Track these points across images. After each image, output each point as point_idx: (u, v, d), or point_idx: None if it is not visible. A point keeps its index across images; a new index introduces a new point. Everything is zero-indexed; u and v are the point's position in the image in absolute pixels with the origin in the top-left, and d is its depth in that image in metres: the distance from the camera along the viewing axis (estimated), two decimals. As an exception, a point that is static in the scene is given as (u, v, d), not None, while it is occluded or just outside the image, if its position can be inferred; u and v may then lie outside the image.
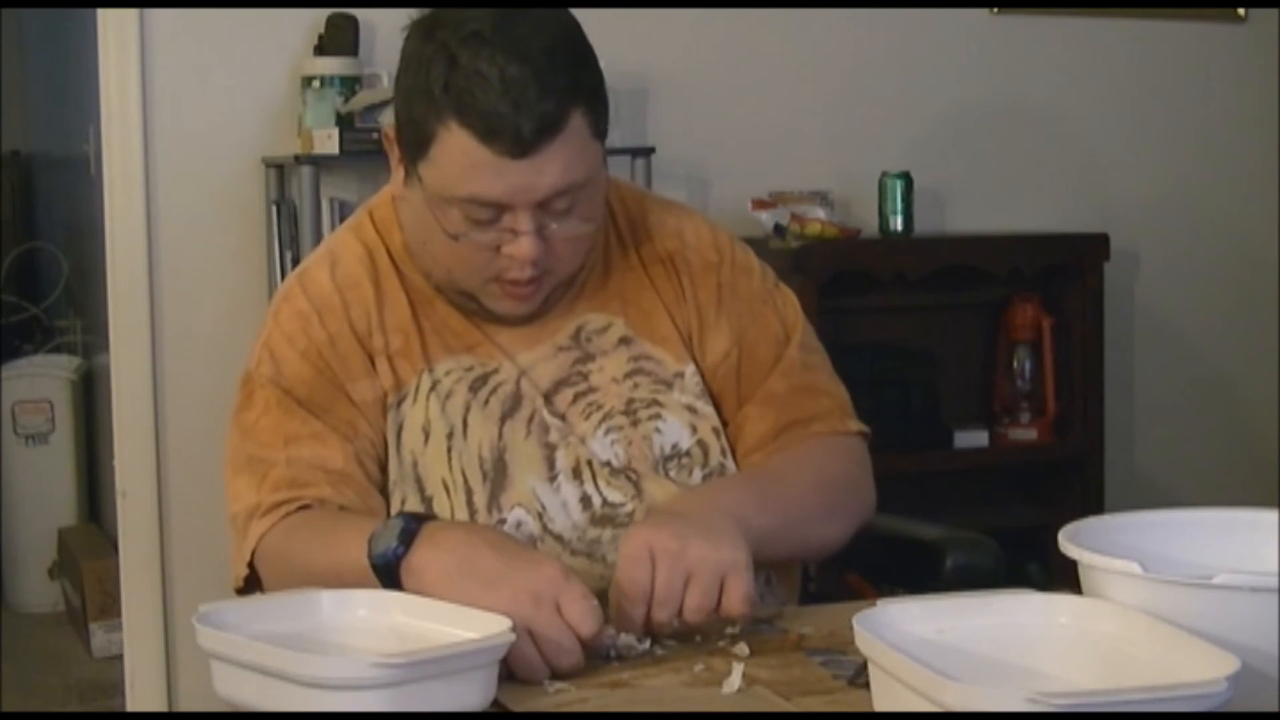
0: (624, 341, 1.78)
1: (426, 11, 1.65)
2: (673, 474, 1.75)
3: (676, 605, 1.51)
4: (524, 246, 1.63)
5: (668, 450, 1.75)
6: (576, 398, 1.75)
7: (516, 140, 1.57)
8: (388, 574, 1.50)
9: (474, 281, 1.69)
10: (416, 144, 1.63)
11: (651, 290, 1.80)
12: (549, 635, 1.43)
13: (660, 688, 1.42)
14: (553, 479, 1.72)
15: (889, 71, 3.83)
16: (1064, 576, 1.39)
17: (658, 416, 1.76)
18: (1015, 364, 3.71)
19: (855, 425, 1.84)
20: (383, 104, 3.35)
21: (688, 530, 1.53)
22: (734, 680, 1.40)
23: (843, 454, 1.81)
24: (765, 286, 1.85)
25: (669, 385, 1.77)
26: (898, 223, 3.60)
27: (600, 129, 1.65)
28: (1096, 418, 3.69)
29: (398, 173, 1.70)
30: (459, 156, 1.59)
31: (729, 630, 1.56)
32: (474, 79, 1.57)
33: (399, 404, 1.73)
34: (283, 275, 3.30)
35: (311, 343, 1.73)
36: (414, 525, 1.52)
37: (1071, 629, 1.30)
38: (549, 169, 1.59)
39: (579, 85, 1.61)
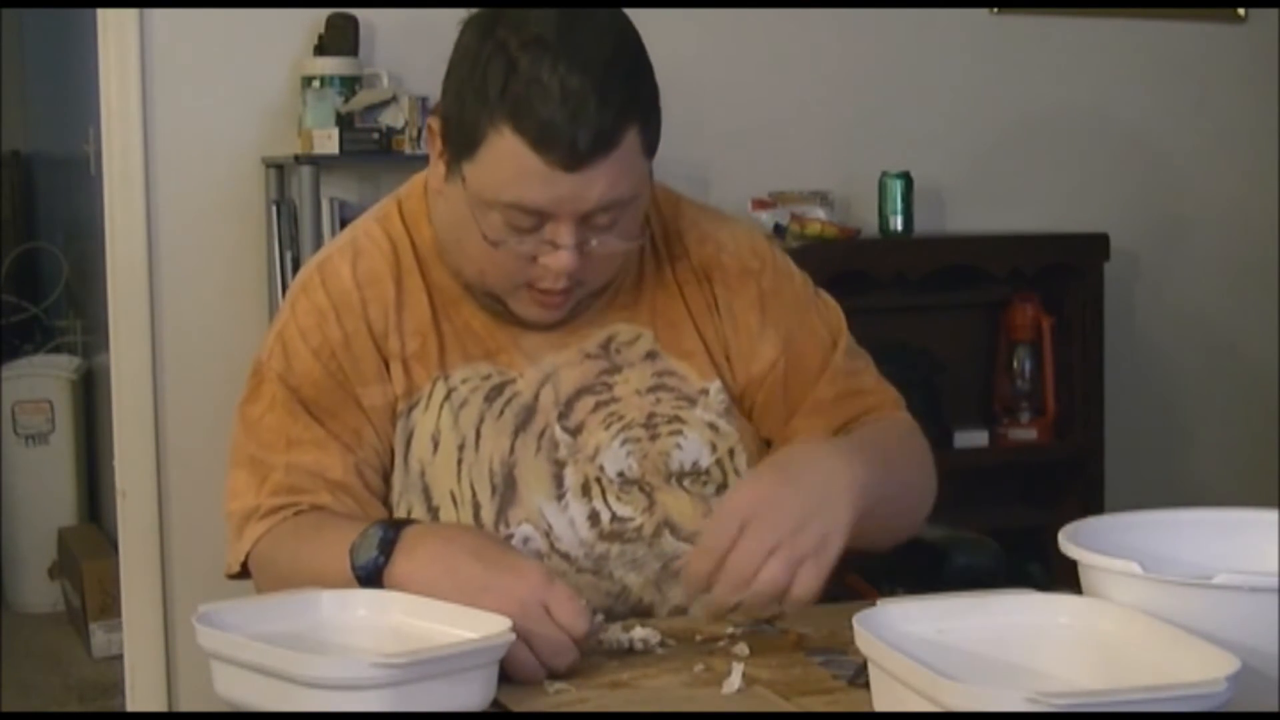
0: (650, 355, 1.75)
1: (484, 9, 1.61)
2: (687, 485, 1.72)
3: (750, 575, 1.46)
4: (562, 259, 1.60)
5: (686, 467, 1.72)
6: (598, 406, 1.72)
7: (571, 152, 1.54)
8: (370, 585, 1.50)
9: (505, 285, 1.66)
10: (464, 143, 1.59)
11: (680, 302, 1.77)
12: (543, 639, 1.42)
13: (660, 688, 1.42)
14: (560, 497, 1.70)
15: (889, 71, 3.83)
16: (1064, 576, 1.39)
17: (678, 433, 1.73)
18: (1015, 364, 3.71)
19: (908, 416, 1.81)
20: (383, 104, 3.35)
21: (792, 501, 1.49)
22: (734, 680, 1.40)
23: (913, 432, 1.78)
24: (807, 292, 1.82)
25: (692, 402, 1.74)
26: (898, 223, 3.61)
27: (651, 146, 1.63)
28: (1096, 418, 3.69)
29: (437, 167, 1.66)
30: (509, 162, 1.56)
31: (730, 630, 1.56)
32: (533, 86, 1.53)
33: (410, 411, 1.70)
34: (283, 275, 3.30)
35: (325, 341, 1.70)
36: (391, 534, 1.51)
37: (1071, 629, 1.30)
38: (597, 183, 1.56)
39: (637, 100, 1.59)
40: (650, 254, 1.78)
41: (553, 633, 1.43)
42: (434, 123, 1.66)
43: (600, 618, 1.51)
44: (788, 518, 1.48)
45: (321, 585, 1.51)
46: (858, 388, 1.80)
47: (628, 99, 1.57)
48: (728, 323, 1.77)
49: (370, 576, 1.50)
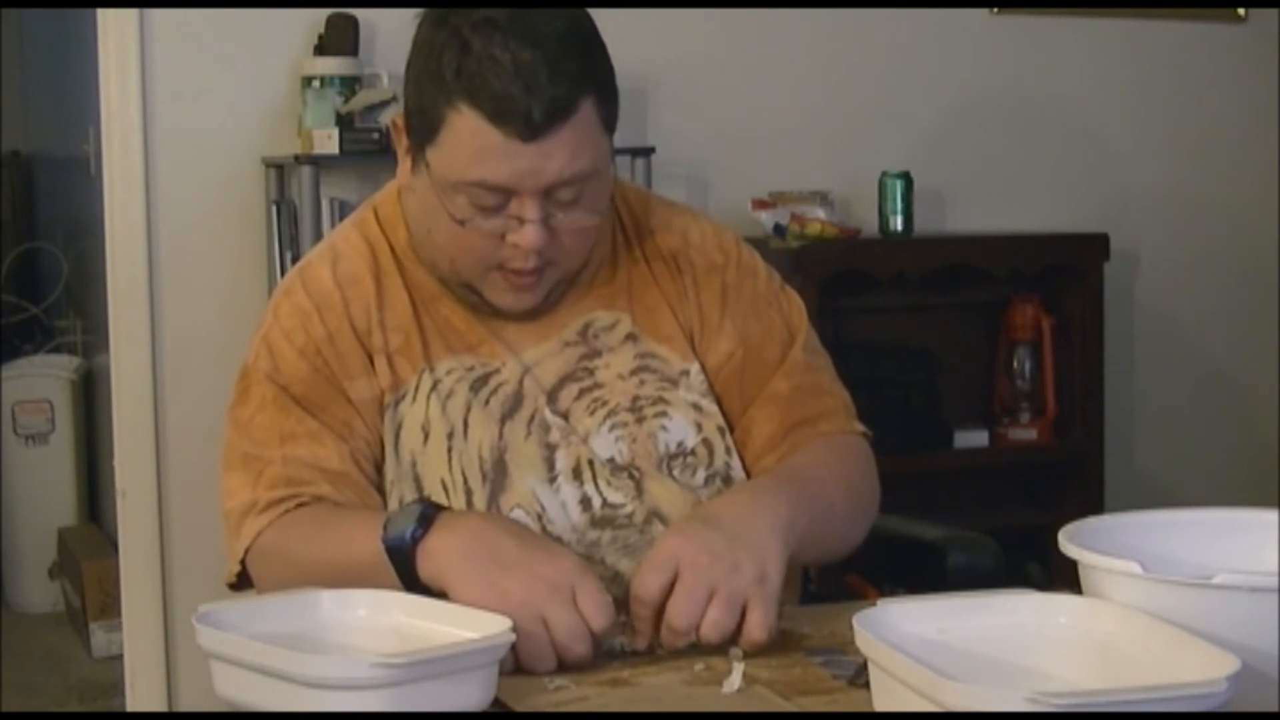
0: (630, 338, 1.77)
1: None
2: (676, 473, 1.74)
3: (694, 622, 1.48)
4: (529, 235, 1.62)
5: (672, 448, 1.74)
6: (581, 393, 1.74)
7: (527, 123, 1.57)
8: (401, 557, 1.50)
9: (477, 270, 1.68)
10: (425, 129, 1.63)
11: (655, 287, 1.80)
12: (563, 624, 1.43)
13: (661, 686, 1.42)
14: (552, 480, 1.71)
15: (889, 71, 3.83)
16: (1064, 576, 1.39)
17: (663, 414, 1.75)
18: (1015, 364, 3.71)
19: (859, 427, 1.83)
20: (383, 104, 3.35)
21: (720, 543, 1.51)
22: (734, 680, 1.40)
23: (856, 453, 1.81)
24: (771, 288, 1.85)
25: (674, 383, 1.77)
26: (898, 223, 3.60)
27: (609, 122, 1.65)
28: (1096, 418, 3.69)
29: (405, 163, 1.70)
30: (468, 139, 1.59)
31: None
32: (486, 63, 1.57)
33: (396, 403, 1.72)
34: (283, 275, 3.30)
35: (310, 339, 1.72)
36: (432, 510, 1.53)
37: (1071, 629, 1.30)
38: (557, 154, 1.59)
39: (591, 73, 1.62)
40: (623, 244, 1.81)
41: (573, 619, 1.44)
42: (398, 118, 1.70)
43: (623, 618, 1.51)
44: (719, 560, 1.50)
45: (346, 568, 1.53)
46: (814, 385, 1.82)
47: (581, 70, 1.60)
48: (695, 312, 1.80)
49: (402, 548, 1.50)
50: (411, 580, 1.50)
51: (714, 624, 1.48)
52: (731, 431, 1.79)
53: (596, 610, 1.45)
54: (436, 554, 1.49)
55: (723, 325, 1.80)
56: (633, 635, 1.51)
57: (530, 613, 1.42)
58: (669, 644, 1.50)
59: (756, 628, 1.49)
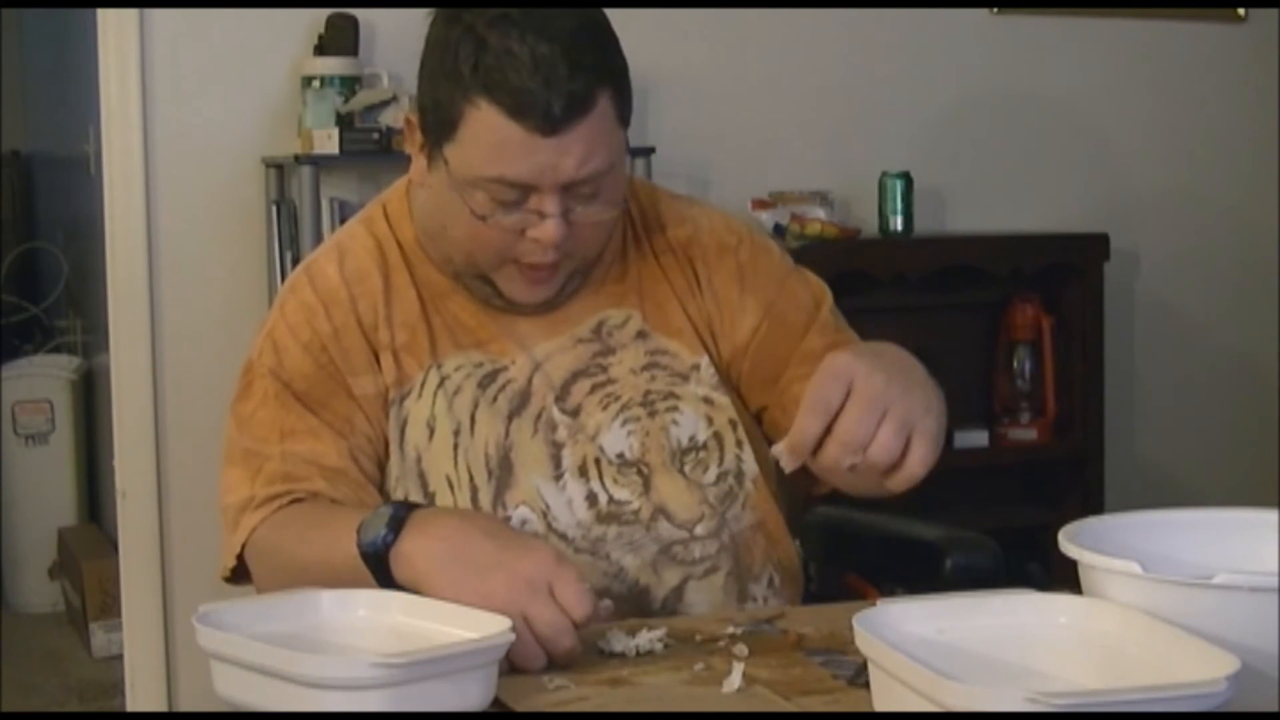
0: (641, 335, 1.78)
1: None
2: (687, 469, 1.74)
3: (868, 437, 1.44)
4: (549, 229, 1.63)
5: (684, 443, 1.75)
6: (594, 389, 1.75)
7: (546, 117, 1.57)
8: (377, 562, 1.50)
9: (494, 263, 1.69)
10: (442, 126, 1.63)
11: (665, 282, 1.80)
12: (544, 620, 1.43)
13: (660, 686, 1.42)
14: (558, 477, 1.71)
15: (889, 71, 3.83)
16: (1064, 576, 1.39)
17: (674, 409, 1.75)
18: (1015, 364, 3.71)
19: None
20: (383, 104, 3.36)
21: (891, 367, 1.49)
22: (734, 680, 1.40)
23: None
24: (786, 265, 1.86)
25: (685, 378, 1.78)
26: (898, 223, 3.61)
27: (625, 115, 1.66)
28: (1096, 418, 3.69)
29: (419, 161, 1.70)
30: (487, 135, 1.59)
31: (730, 630, 1.56)
32: (504, 57, 1.57)
33: (402, 399, 1.72)
34: (283, 275, 3.30)
35: (315, 335, 1.73)
36: (402, 512, 1.51)
37: (1071, 629, 1.30)
38: (576, 149, 1.59)
39: (607, 67, 1.62)
40: (632, 239, 1.81)
41: (554, 613, 1.43)
42: (411, 116, 1.71)
43: (608, 604, 1.51)
44: (893, 381, 1.47)
45: (332, 568, 1.52)
46: (846, 341, 1.81)
47: (597, 64, 1.61)
48: (709, 299, 1.80)
49: (376, 554, 1.49)
50: (390, 586, 1.49)
51: (884, 446, 1.45)
52: (759, 418, 1.78)
53: (576, 601, 1.44)
54: (411, 559, 1.48)
55: (744, 302, 1.80)
56: (791, 448, 1.45)
57: (513, 612, 1.41)
58: (835, 461, 1.45)
59: (918, 462, 1.47)
